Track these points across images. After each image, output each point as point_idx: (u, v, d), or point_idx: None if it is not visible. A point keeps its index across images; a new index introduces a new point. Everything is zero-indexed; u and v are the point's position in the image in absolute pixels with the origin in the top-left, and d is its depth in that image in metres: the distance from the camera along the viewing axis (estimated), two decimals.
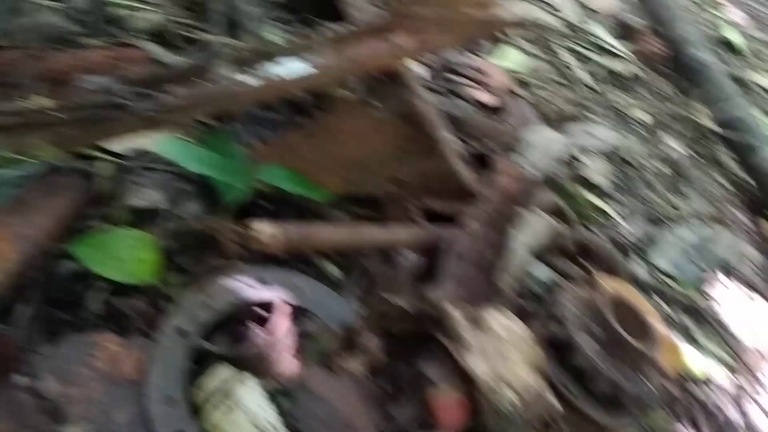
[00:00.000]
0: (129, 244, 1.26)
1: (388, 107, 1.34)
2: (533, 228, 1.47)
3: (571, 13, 3.28)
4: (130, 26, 1.83)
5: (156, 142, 1.20)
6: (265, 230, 1.30)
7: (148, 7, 1.93)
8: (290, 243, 1.33)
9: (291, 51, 1.33)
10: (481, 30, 1.33)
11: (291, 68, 1.30)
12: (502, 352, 1.23)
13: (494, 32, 1.82)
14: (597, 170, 2.39)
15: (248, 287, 1.24)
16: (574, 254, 1.77)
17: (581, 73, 2.97)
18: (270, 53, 1.31)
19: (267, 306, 1.36)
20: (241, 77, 1.29)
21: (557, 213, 1.79)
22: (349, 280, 1.53)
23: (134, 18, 1.84)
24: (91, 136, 1.13)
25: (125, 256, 1.25)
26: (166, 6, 1.95)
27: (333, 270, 1.56)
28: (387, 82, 1.35)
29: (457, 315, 1.22)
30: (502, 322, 1.29)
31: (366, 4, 1.63)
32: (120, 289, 1.30)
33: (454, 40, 1.32)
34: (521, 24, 1.40)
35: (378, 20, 1.33)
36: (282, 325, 1.27)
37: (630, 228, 2.31)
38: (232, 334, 1.33)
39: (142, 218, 1.44)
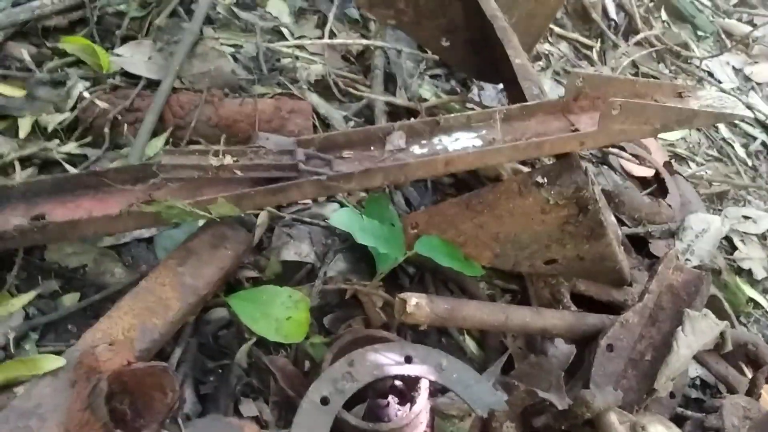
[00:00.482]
0: (283, 302, 1.27)
1: (558, 191, 1.29)
2: (699, 330, 1.36)
3: (732, 84, 3.09)
4: (294, 76, 1.89)
5: (332, 215, 1.21)
6: (412, 300, 1.28)
7: (312, 58, 1.99)
8: (435, 316, 1.30)
9: (463, 124, 1.32)
10: (679, 123, 1.25)
11: (462, 142, 1.28)
12: None
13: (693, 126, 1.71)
14: (754, 258, 2.21)
15: (393, 362, 1.21)
16: (735, 356, 1.63)
17: (739, 149, 2.78)
18: (443, 125, 1.30)
19: (409, 380, 1.34)
20: (412, 147, 1.29)
21: (716, 308, 1.65)
22: (488, 359, 1.48)
23: (298, 68, 1.91)
24: (268, 198, 1.16)
25: (278, 314, 1.26)
26: (329, 57, 2.00)
27: (471, 346, 1.52)
28: (560, 164, 1.30)
29: (616, 423, 1.14)
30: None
31: (536, 73, 1.59)
32: (265, 341, 1.32)
33: (645, 132, 1.25)
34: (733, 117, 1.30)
35: (560, 98, 1.29)
36: (422, 403, 1.24)
37: None
38: (371, 407, 1.31)
39: (291, 271, 1.46)
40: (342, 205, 1.53)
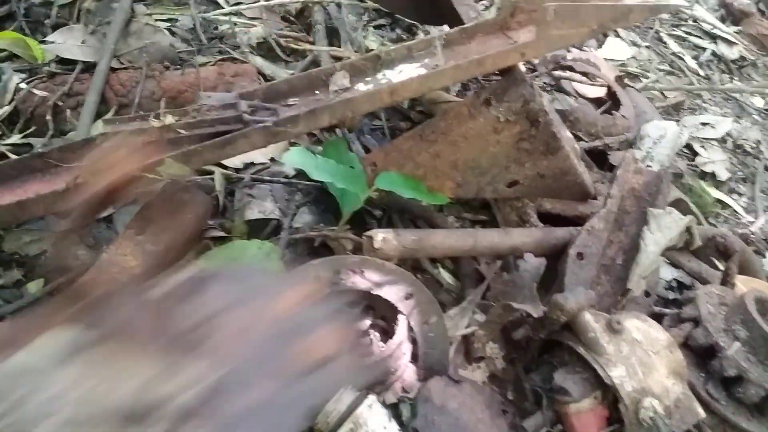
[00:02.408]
0: (254, 253, 1.27)
1: (507, 107, 1.28)
2: (664, 226, 1.37)
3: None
4: (235, 42, 1.86)
5: (284, 155, 1.20)
6: (378, 236, 1.28)
7: (251, 22, 1.96)
8: (403, 249, 1.30)
9: (405, 56, 1.31)
10: (614, 21, 1.25)
11: (407, 73, 1.27)
12: (642, 359, 1.15)
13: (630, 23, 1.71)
14: (715, 161, 2.24)
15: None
16: (704, 251, 1.66)
17: (690, 61, 2.80)
18: (385, 59, 1.29)
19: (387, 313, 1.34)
20: (357, 85, 1.28)
21: (683, 211, 1.68)
22: (464, 287, 1.49)
23: (238, 33, 1.88)
24: (216, 152, 1.15)
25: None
26: (267, 19, 1.98)
27: (447, 277, 1.52)
28: (505, 81, 1.30)
29: (591, 321, 1.15)
30: (640, 327, 1.21)
31: (475, 4, 1.58)
32: None
33: (583, 35, 1.25)
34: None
35: (495, 17, 1.29)
36: (401, 333, 1.24)
37: (756, 221, 2.15)
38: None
39: (257, 229, 1.45)
40: None
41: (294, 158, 1.20)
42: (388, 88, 1.22)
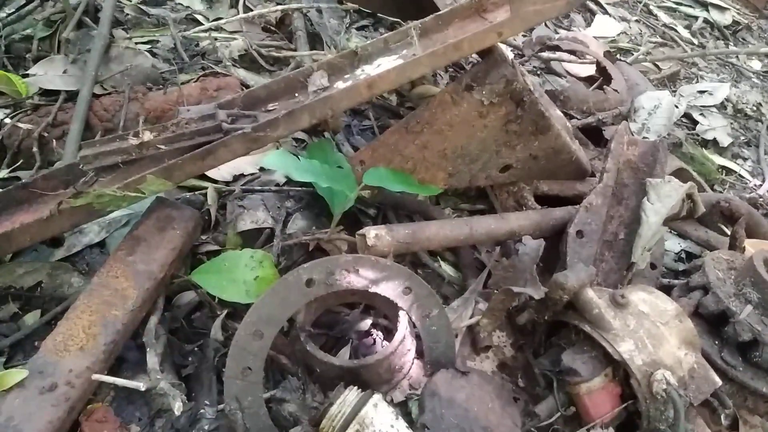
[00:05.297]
0: (246, 264, 1.25)
1: (490, 89, 1.26)
2: (664, 194, 1.34)
3: None
4: (217, 57, 1.85)
5: (262, 159, 1.18)
6: (371, 233, 1.26)
7: (231, 36, 1.96)
8: (397, 243, 1.28)
9: (382, 49, 1.29)
10: None
11: (384, 65, 1.25)
12: (651, 332, 1.12)
13: None
14: (716, 127, 2.19)
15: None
16: (710, 219, 1.62)
17: (683, 31, 2.76)
18: (362, 55, 1.27)
19: (389, 313, 1.32)
20: (336, 83, 1.26)
21: (684, 178, 1.64)
22: (466, 278, 1.46)
23: (219, 48, 1.87)
24: (197, 164, 1.13)
25: (245, 277, 1.24)
26: (248, 31, 1.97)
27: (448, 269, 1.50)
28: (485, 63, 1.28)
29: (595, 297, 1.12)
30: (646, 299, 1.18)
31: None
32: (238, 312, 1.29)
33: (559, 8, 1.22)
34: None
35: (470, 1, 1.27)
36: (403, 330, 1.22)
37: (763, 183, 2.10)
38: (357, 348, 1.29)
39: (251, 239, 1.44)
40: None
41: (274, 161, 1.18)
42: (365, 82, 1.20)
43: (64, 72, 1.71)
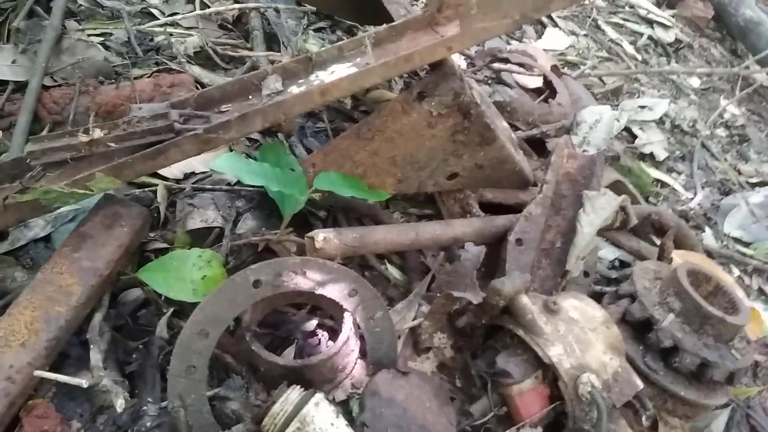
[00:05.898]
0: (194, 263, 1.27)
1: (439, 100, 1.31)
2: (598, 206, 1.42)
3: None
4: (171, 52, 1.85)
5: (212, 161, 1.20)
6: (319, 236, 1.29)
7: (187, 32, 1.95)
8: (345, 247, 1.32)
9: (337, 56, 1.32)
10: (536, 10, 1.29)
11: (338, 73, 1.29)
12: (579, 337, 1.19)
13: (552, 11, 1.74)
14: (654, 142, 2.30)
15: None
16: (642, 230, 1.71)
17: (628, 47, 2.88)
18: (316, 61, 1.30)
19: (335, 313, 1.36)
20: (290, 88, 1.28)
21: (620, 190, 1.73)
22: (411, 281, 1.51)
23: (174, 43, 1.87)
24: (147, 163, 1.14)
25: (193, 276, 1.26)
26: (204, 28, 1.97)
27: (394, 272, 1.54)
28: (435, 75, 1.32)
29: (528, 303, 1.18)
30: (577, 306, 1.25)
31: (404, 1, 1.61)
32: (184, 310, 1.31)
33: (506, 26, 1.27)
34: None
35: (423, 13, 1.31)
36: (347, 330, 1.26)
37: (694, 197, 2.22)
38: (302, 347, 1.33)
39: (200, 238, 1.45)
40: None
41: (224, 164, 1.20)
42: (318, 89, 1.23)
43: (13, 62, 1.68)
